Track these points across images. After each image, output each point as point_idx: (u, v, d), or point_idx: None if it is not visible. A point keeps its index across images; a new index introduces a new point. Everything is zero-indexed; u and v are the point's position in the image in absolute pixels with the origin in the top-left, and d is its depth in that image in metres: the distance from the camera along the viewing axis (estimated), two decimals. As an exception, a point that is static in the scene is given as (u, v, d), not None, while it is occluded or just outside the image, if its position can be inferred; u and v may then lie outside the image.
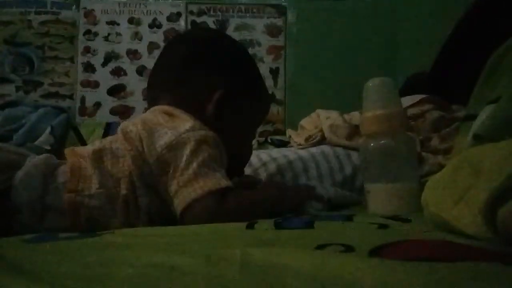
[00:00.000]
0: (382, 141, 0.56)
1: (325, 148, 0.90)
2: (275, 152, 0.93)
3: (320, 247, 0.29)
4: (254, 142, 1.41)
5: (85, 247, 0.35)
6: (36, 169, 0.53)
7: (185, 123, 0.57)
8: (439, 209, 0.34)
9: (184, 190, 0.51)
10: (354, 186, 0.82)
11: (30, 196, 0.51)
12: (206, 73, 0.65)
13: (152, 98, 0.68)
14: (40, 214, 0.51)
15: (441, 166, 0.70)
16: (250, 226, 0.42)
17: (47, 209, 0.52)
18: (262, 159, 0.86)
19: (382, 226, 0.39)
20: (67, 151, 0.58)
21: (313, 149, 0.90)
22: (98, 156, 0.56)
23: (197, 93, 0.63)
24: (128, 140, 0.56)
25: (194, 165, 0.52)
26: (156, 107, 0.63)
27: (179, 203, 0.51)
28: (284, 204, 0.60)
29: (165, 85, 0.66)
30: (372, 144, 0.57)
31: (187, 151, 0.53)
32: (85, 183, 0.53)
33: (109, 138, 0.60)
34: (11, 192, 0.51)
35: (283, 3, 2.15)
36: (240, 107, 0.66)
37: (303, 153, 0.89)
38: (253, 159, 0.86)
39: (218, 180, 0.52)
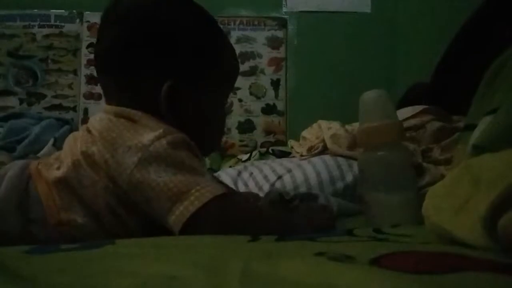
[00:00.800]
0: (379, 153, 0.56)
1: (327, 157, 0.91)
2: (276, 164, 0.93)
3: (319, 254, 0.29)
4: (255, 153, 1.41)
5: (87, 258, 0.35)
6: (8, 200, 0.48)
7: (148, 132, 0.50)
8: (440, 219, 0.34)
9: (180, 205, 0.46)
10: (355, 194, 0.83)
11: (8, 227, 0.48)
12: (150, 61, 0.55)
13: (103, 87, 0.59)
14: (31, 241, 0.47)
15: (442, 177, 0.70)
16: (252, 239, 0.42)
17: (37, 238, 0.48)
18: (267, 176, 0.87)
19: (383, 238, 0.39)
20: (33, 171, 0.51)
21: (315, 159, 0.91)
22: (65, 186, 0.50)
23: (145, 89, 0.55)
24: (92, 166, 0.50)
25: (179, 176, 0.47)
26: (110, 110, 0.55)
27: (176, 219, 0.45)
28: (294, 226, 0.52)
29: (107, 77, 0.58)
30: (368, 156, 0.57)
31: (162, 165, 0.47)
32: (68, 214, 0.49)
33: (69, 159, 0.51)
34: None
35: (283, 16, 2.17)
36: (198, 93, 0.57)
37: (304, 162, 0.89)
38: (257, 175, 0.87)
39: (213, 188, 0.47)
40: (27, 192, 0.50)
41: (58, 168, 0.52)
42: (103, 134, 0.51)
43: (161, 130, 0.50)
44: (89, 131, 0.53)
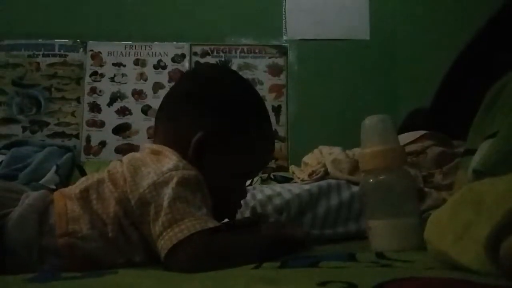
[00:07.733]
0: (381, 177, 0.56)
1: (330, 181, 0.91)
2: (279, 187, 0.93)
3: (323, 284, 0.28)
4: (257, 178, 1.41)
5: (87, 287, 0.35)
6: (32, 209, 0.52)
7: (169, 162, 0.56)
8: (442, 244, 0.34)
9: (170, 231, 0.49)
10: (351, 211, 0.84)
11: (25, 237, 0.50)
12: (192, 113, 0.64)
13: (154, 130, 0.68)
14: (38, 256, 0.50)
15: (444, 201, 0.70)
16: (255, 267, 0.42)
17: (45, 251, 0.50)
18: (266, 194, 0.87)
19: (385, 264, 0.39)
20: (55, 193, 0.57)
21: (319, 182, 0.91)
22: (84, 196, 0.55)
23: (183, 132, 0.62)
24: (113, 181, 0.56)
25: (178, 204, 0.51)
26: (147, 145, 0.63)
27: (164, 245, 0.49)
28: (275, 249, 0.54)
29: (160, 120, 0.67)
30: (371, 180, 0.57)
31: (169, 190, 0.51)
32: (75, 225, 0.52)
33: (95, 176, 0.58)
34: (4, 233, 0.49)
35: (284, 44, 2.20)
36: (224, 152, 0.63)
37: (307, 186, 0.89)
38: (257, 194, 0.87)
39: (205, 221, 0.50)
40: (49, 207, 0.54)
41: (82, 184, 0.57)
42: (131, 161, 0.57)
43: (180, 163, 0.55)
44: (121, 161, 0.59)
